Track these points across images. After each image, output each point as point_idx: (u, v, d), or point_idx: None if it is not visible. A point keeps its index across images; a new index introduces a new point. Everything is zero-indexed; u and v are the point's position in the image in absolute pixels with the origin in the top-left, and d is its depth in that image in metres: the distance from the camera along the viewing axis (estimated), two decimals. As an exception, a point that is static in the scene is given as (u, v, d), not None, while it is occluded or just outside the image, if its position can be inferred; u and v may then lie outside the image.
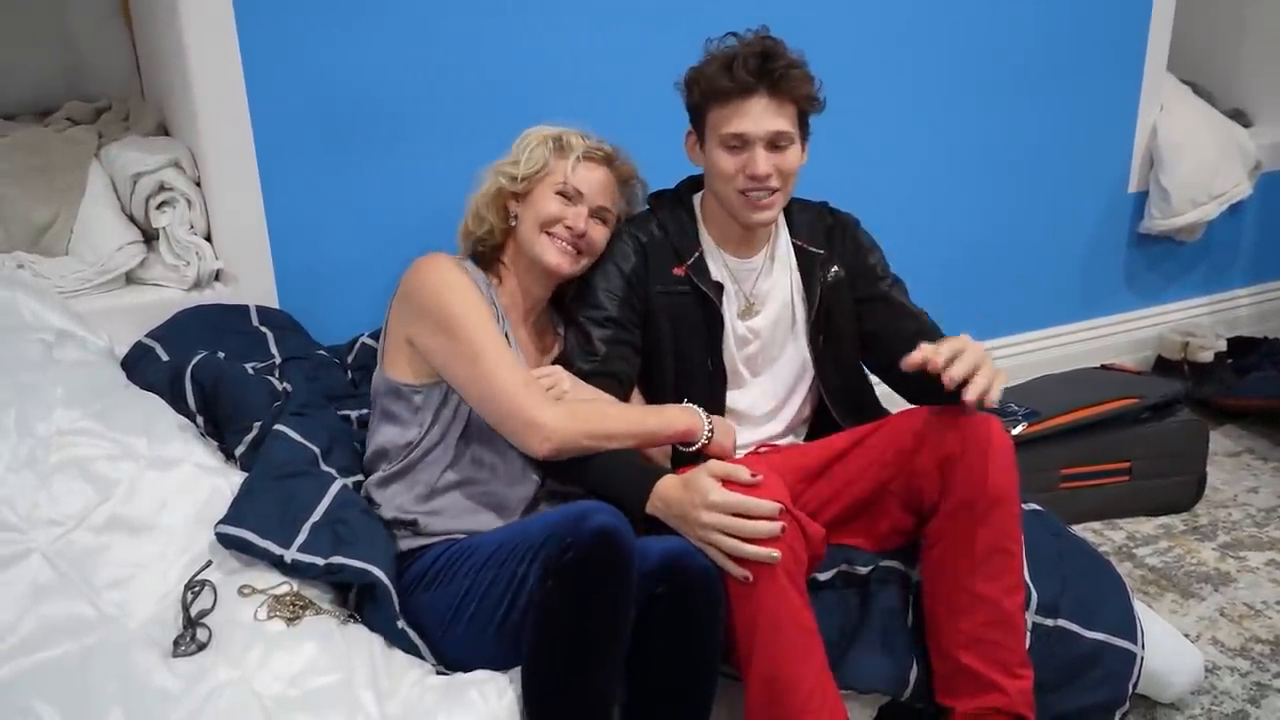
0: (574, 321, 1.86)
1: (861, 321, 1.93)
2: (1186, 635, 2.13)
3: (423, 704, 1.49)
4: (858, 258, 1.95)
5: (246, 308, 2.17)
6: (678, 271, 1.88)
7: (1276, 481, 2.81)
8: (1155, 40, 3.09)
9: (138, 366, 1.98)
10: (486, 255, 1.87)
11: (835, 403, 1.94)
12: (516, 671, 1.55)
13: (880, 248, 1.99)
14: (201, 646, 1.50)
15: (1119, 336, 3.30)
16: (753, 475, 1.56)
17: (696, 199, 1.96)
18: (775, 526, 1.52)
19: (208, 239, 2.21)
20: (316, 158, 2.22)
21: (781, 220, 1.95)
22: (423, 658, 1.59)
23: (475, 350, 1.66)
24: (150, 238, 2.22)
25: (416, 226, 2.33)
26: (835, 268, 1.93)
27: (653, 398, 1.90)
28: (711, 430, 1.75)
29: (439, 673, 1.59)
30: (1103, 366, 3.00)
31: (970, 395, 1.59)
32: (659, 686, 1.52)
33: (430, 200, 2.33)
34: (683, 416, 1.75)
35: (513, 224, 1.84)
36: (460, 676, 1.56)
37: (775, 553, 1.52)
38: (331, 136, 2.22)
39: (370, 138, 2.26)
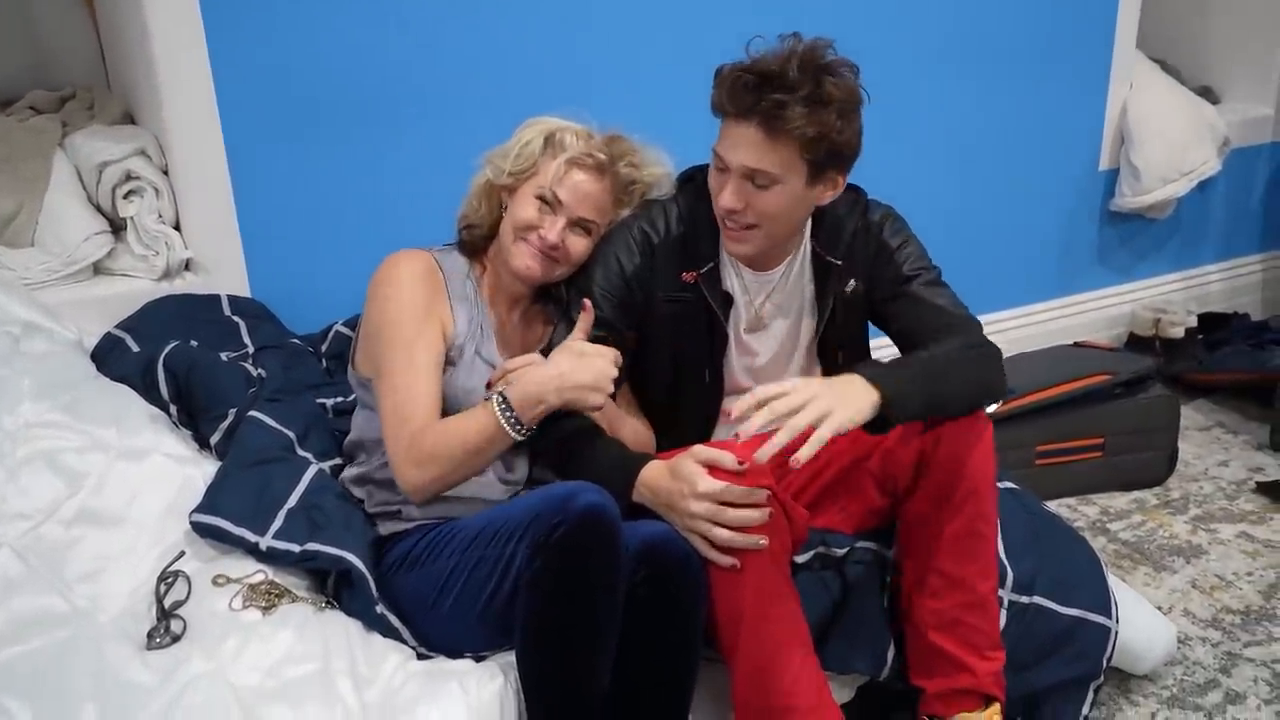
0: (565, 315, 1.75)
1: (888, 322, 1.80)
2: (1159, 608, 2.16)
3: (404, 692, 1.47)
4: (879, 264, 1.77)
5: (218, 297, 2.15)
6: (687, 278, 1.74)
7: (1247, 455, 2.84)
8: (1124, 18, 3.10)
9: (108, 358, 1.96)
10: (476, 242, 1.78)
11: None
12: (499, 661, 1.55)
13: (913, 241, 1.79)
14: (176, 638, 1.49)
15: (1092, 314, 3.32)
16: (739, 463, 1.50)
17: None
18: (763, 514, 1.50)
19: (176, 228, 2.19)
20: (287, 144, 2.20)
21: (808, 223, 1.78)
22: (404, 641, 1.58)
23: (386, 368, 1.63)
24: (118, 228, 2.20)
25: (389, 213, 2.32)
26: (852, 281, 1.78)
27: (646, 400, 1.85)
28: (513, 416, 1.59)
29: (420, 655, 1.58)
30: (1076, 344, 3.01)
31: (761, 456, 1.42)
32: (641, 672, 1.52)
33: (403, 186, 2.32)
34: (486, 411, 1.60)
35: (500, 215, 1.75)
36: (443, 664, 1.55)
37: (763, 540, 1.51)
38: (302, 123, 2.20)
39: (342, 123, 2.24)
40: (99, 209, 2.19)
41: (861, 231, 1.78)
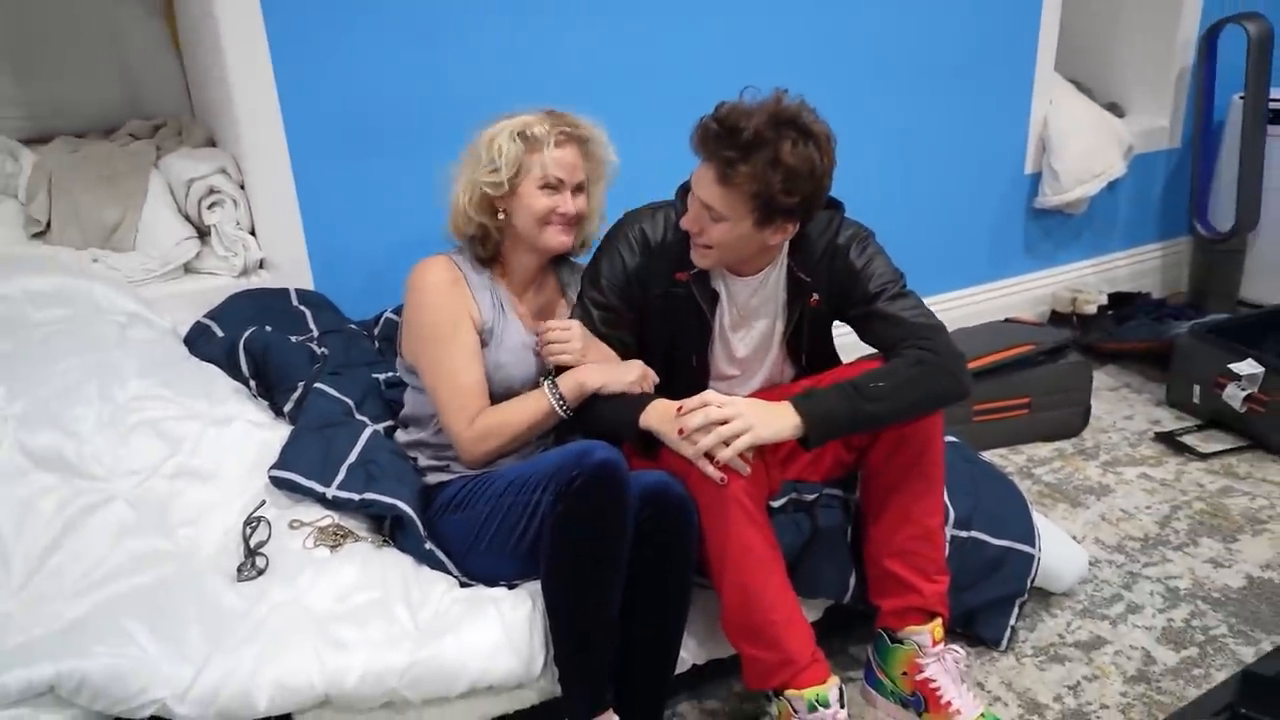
0: (580, 297, 1.75)
1: (860, 334, 1.76)
2: (1074, 537, 2.17)
3: (450, 614, 1.50)
4: (847, 283, 1.72)
5: (287, 290, 2.16)
6: (680, 277, 1.71)
7: (1148, 410, 2.85)
8: (1044, 45, 3.08)
9: (198, 342, 1.98)
10: (485, 248, 1.72)
11: None
12: (528, 587, 1.58)
13: (878, 258, 1.72)
14: (260, 572, 1.52)
15: (1020, 295, 3.32)
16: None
17: None
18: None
19: (252, 233, 2.20)
20: (343, 161, 2.20)
21: (786, 244, 1.72)
22: (449, 572, 1.61)
23: (430, 361, 1.65)
24: (203, 233, 2.21)
25: (431, 215, 2.31)
26: (816, 296, 1.73)
27: None
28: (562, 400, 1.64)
29: (463, 584, 1.60)
30: (1007, 320, 3.02)
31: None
32: (645, 594, 1.54)
33: (440, 195, 2.31)
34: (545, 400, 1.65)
35: (501, 219, 1.69)
36: (481, 591, 1.58)
37: (745, 466, 1.54)
38: (356, 141, 2.21)
39: (389, 140, 2.24)
40: (188, 218, 2.20)
41: (830, 253, 1.72)
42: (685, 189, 1.73)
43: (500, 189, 1.66)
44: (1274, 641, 1.88)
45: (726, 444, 1.52)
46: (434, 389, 1.65)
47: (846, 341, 1.86)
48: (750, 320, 1.80)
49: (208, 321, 2.02)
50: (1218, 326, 2.81)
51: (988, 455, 2.49)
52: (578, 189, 1.70)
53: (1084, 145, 3.17)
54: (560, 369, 1.67)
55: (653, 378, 1.69)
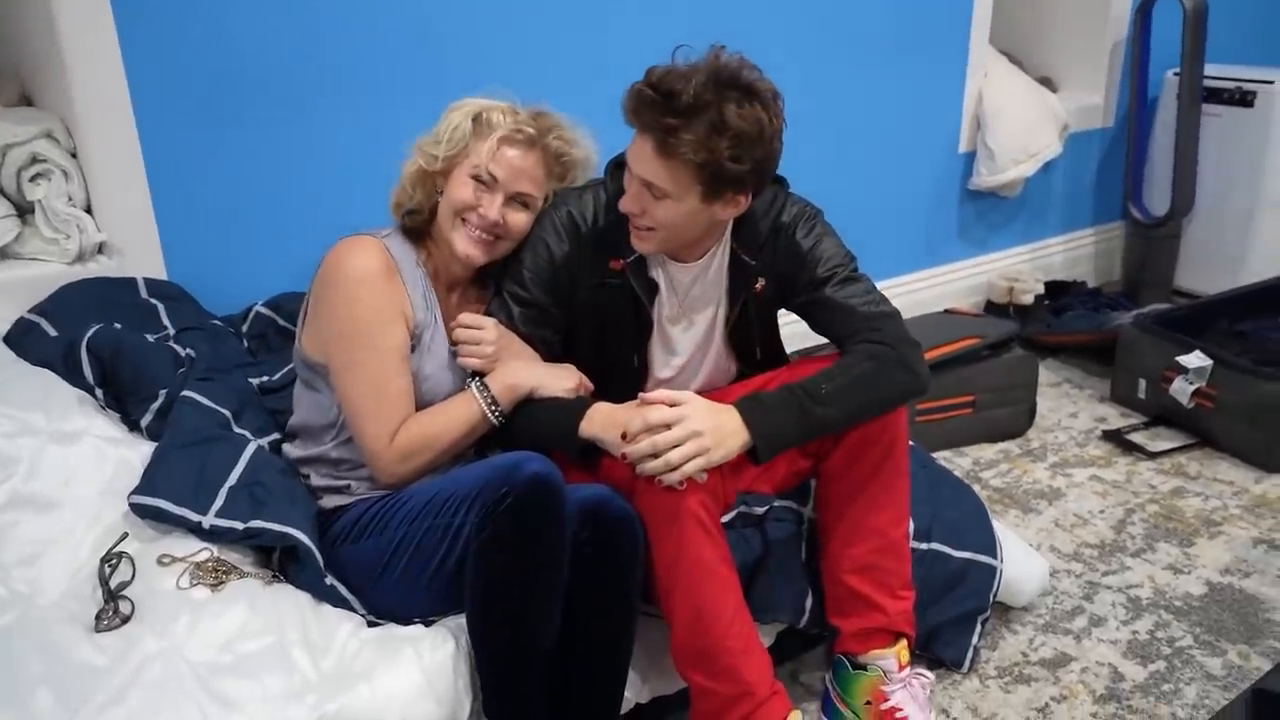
0: (499, 292, 1.71)
1: (808, 321, 1.76)
2: (1031, 545, 2.25)
3: (359, 660, 1.43)
4: (794, 267, 1.72)
5: (134, 280, 2.02)
6: (614, 265, 1.68)
7: (1092, 406, 2.99)
8: (979, 15, 3.20)
9: (24, 342, 1.83)
10: (416, 228, 1.68)
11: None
12: (448, 623, 1.52)
13: (826, 239, 1.73)
14: (125, 619, 1.41)
15: (956, 283, 3.44)
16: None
17: None
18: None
19: (88, 211, 2.05)
20: (201, 125, 2.08)
21: (729, 223, 1.72)
22: (354, 609, 1.53)
23: (350, 362, 1.58)
24: (25, 211, 2.04)
25: (306, 192, 2.22)
26: (762, 281, 1.74)
27: None
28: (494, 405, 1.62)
29: (371, 623, 1.53)
30: (946, 311, 3.11)
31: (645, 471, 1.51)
32: (585, 623, 1.51)
33: (320, 167, 2.22)
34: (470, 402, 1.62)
35: (436, 199, 1.66)
36: (395, 630, 1.51)
37: (703, 475, 1.53)
38: (218, 104, 2.08)
39: (260, 105, 2.13)
40: (3, 193, 2.04)
41: (774, 233, 1.73)
42: (617, 164, 1.71)
43: (434, 163, 1.63)
44: (1240, 651, 2.00)
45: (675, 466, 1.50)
46: (351, 395, 1.58)
47: (796, 330, 1.87)
48: (691, 313, 1.79)
49: (34, 318, 1.87)
50: (1161, 317, 2.97)
51: (932, 459, 2.56)
52: (515, 198, 1.65)
53: (1020, 123, 3.31)
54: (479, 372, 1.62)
55: (588, 385, 1.67)
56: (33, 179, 2.02)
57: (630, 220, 1.64)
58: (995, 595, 1.98)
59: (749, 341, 1.83)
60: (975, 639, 1.96)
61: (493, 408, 1.60)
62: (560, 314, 1.71)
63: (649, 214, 1.60)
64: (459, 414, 1.60)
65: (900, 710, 1.70)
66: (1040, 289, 3.41)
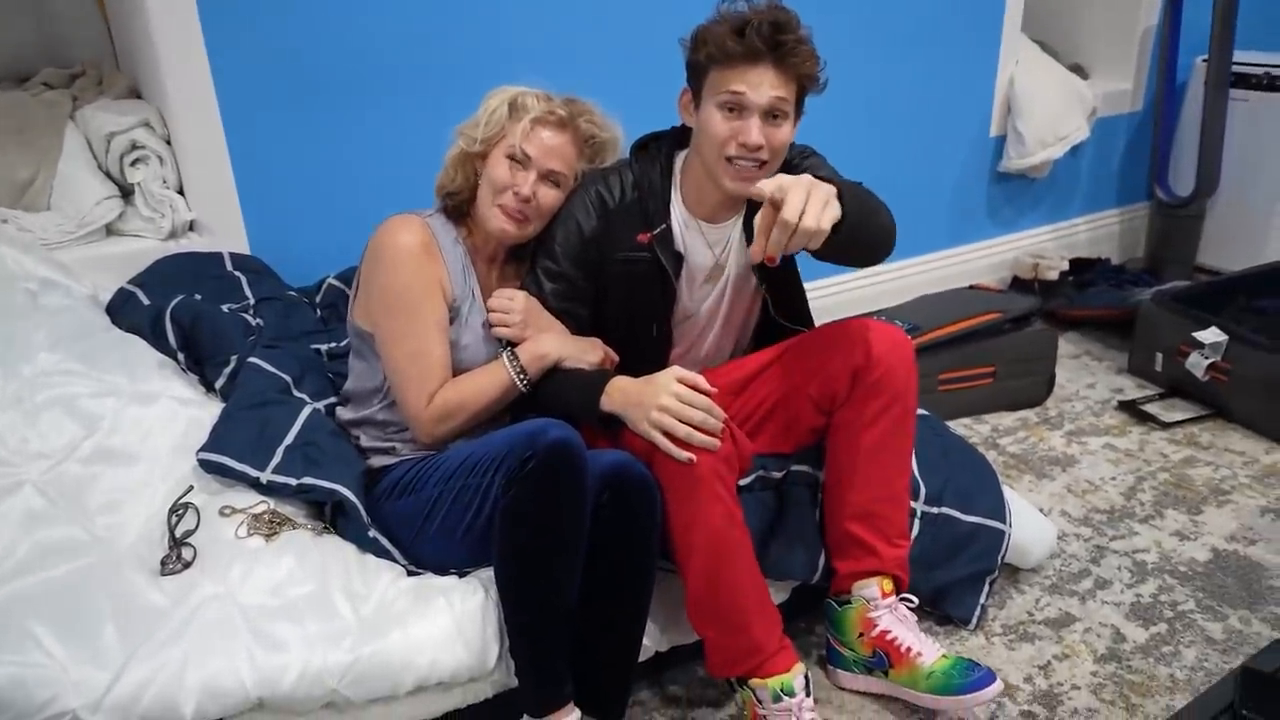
0: (532, 268, 1.63)
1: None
2: (1041, 509, 2.12)
3: (396, 606, 1.39)
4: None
5: (220, 254, 1.99)
6: (642, 238, 1.60)
7: (1110, 378, 2.81)
8: (1011, 4, 2.99)
9: (122, 310, 1.81)
10: (460, 207, 1.61)
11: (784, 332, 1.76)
12: (480, 575, 1.47)
13: (827, 167, 1.65)
14: (187, 565, 1.38)
15: (982, 260, 3.25)
16: (711, 386, 1.47)
17: (679, 157, 1.65)
18: (718, 424, 1.45)
19: (180, 192, 2.02)
20: (279, 111, 2.03)
21: None
22: (395, 560, 1.48)
23: (393, 331, 1.51)
24: (126, 193, 2.03)
25: (376, 173, 2.17)
26: None
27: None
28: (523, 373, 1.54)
29: (410, 573, 1.48)
30: (971, 286, 2.94)
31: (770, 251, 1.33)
32: (606, 580, 1.44)
33: (385, 150, 2.16)
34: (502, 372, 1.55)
35: (477, 181, 1.59)
36: (430, 580, 1.46)
37: (716, 441, 1.44)
38: (294, 92, 2.04)
39: (331, 92, 2.08)
40: (109, 176, 2.02)
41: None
42: (641, 145, 1.65)
43: (473, 145, 1.56)
44: (1241, 616, 1.85)
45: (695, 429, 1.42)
46: (394, 361, 1.52)
47: (826, 304, 1.75)
48: (715, 280, 1.69)
49: (132, 288, 1.85)
50: (1180, 294, 2.76)
51: (953, 425, 2.42)
52: (547, 176, 1.57)
53: (1049, 107, 3.09)
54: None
55: (614, 358, 1.59)
56: (133, 164, 2.00)
57: (742, 160, 1.51)
58: (1003, 558, 1.86)
59: (783, 289, 1.72)
60: (983, 598, 1.84)
61: (521, 376, 1.53)
62: (588, 286, 1.62)
63: (769, 143, 1.51)
64: (490, 380, 1.53)
65: (889, 633, 1.61)
66: (1065, 265, 3.21)
